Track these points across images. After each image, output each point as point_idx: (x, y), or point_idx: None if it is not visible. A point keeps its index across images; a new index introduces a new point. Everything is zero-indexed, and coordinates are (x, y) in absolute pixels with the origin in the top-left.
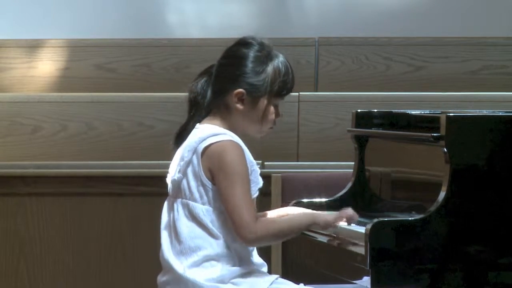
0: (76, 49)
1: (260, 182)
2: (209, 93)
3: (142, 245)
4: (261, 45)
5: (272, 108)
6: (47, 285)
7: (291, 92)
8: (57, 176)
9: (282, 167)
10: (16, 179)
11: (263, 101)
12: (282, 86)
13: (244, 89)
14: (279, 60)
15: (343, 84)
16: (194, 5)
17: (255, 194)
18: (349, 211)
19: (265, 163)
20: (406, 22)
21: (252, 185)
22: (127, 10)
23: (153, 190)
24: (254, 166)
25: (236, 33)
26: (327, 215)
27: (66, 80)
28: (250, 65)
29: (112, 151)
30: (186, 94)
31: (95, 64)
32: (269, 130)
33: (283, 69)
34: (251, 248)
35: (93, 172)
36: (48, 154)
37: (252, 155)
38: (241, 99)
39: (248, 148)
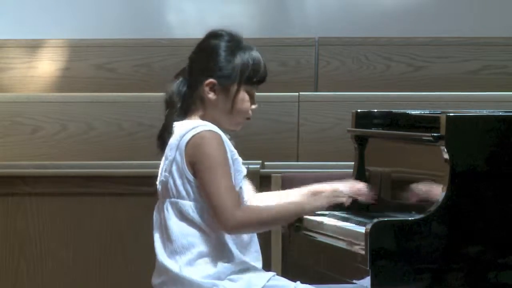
0: (76, 49)
1: (244, 171)
2: (184, 91)
3: (142, 245)
4: (231, 35)
5: (245, 96)
6: (46, 285)
7: (264, 81)
8: (57, 176)
9: (282, 167)
10: (16, 179)
11: (233, 89)
12: (252, 74)
13: (214, 78)
14: (250, 51)
15: (343, 84)
16: (194, 5)
17: (240, 183)
18: (348, 185)
19: (265, 163)
20: (406, 22)
21: (236, 174)
22: (127, 10)
23: (153, 190)
24: (235, 155)
25: None
26: (318, 199)
27: (66, 80)
28: (221, 54)
29: (112, 151)
30: None
31: (95, 64)
32: (245, 121)
33: (253, 58)
34: (247, 241)
35: (93, 172)
36: (48, 154)
37: (252, 156)
38: (212, 89)
39: (248, 148)
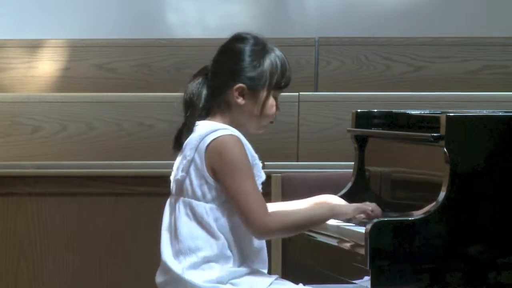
0: (76, 49)
1: (263, 176)
2: (205, 92)
3: (142, 245)
4: (256, 39)
5: (272, 101)
6: (47, 285)
7: (289, 84)
8: (57, 176)
9: (282, 167)
10: (16, 179)
11: (263, 94)
12: (280, 78)
13: (244, 83)
14: (276, 53)
15: (343, 84)
16: (194, 5)
17: (259, 188)
18: (372, 205)
19: (265, 163)
20: (406, 22)
21: (256, 179)
22: (127, 10)
23: (153, 190)
24: (256, 160)
25: None
26: (348, 207)
27: (66, 80)
28: (247, 59)
29: (112, 151)
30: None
31: (95, 64)
32: (269, 125)
33: (280, 61)
34: (258, 247)
35: (93, 172)
36: (48, 154)
37: None
38: (241, 94)
39: None
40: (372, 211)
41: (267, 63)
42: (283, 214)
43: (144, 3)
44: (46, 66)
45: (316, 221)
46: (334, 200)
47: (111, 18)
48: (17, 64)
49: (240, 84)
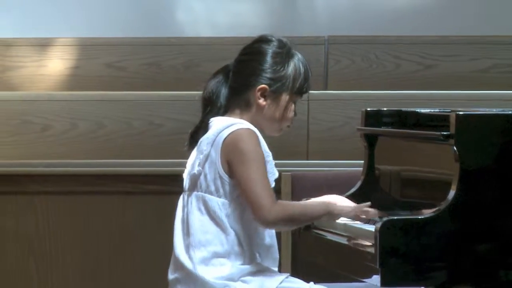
0: (86, 48)
1: (276, 173)
2: (224, 91)
3: (151, 243)
4: (281, 42)
5: (292, 106)
6: (56, 283)
7: (309, 90)
8: (66, 174)
9: (292, 166)
10: (25, 177)
11: (285, 98)
12: (303, 83)
13: (267, 84)
14: (299, 57)
15: (353, 83)
16: (203, 4)
17: (272, 185)
18: (367, 207)
19: (275, 161)
20: (416, 21)
21: (269, 176)
22: (137, 9)
23: (162, 188)
24: (269, 156)
25: (245, 32)
26: (345, 207)
27: (75, 79)
28: (272, 61)
29: (121, 149)
30: (195, 92)
31: (105, 63)
32: (287, 129)
33: (304, 67)
34: (268, 244)
35: (102, 171)
36: (57, 152)
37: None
38: (263, 95)
39: None
40: (367, 212)
41: (291, 67)
42: (288, 204)
43: (154, 2)
44: (56, 64)
45: (311, 218)
46: (339, 200)
47: (121, 16)
48: (26, 63)
49: (264, 85)
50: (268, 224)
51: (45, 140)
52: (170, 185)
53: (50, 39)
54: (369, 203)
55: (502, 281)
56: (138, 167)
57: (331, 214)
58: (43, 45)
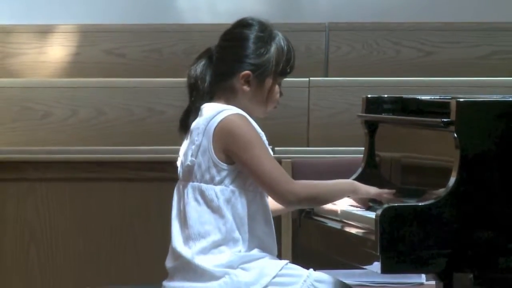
0: (87, 34)
1: (271, 154)
2: (209, 76)
3: (152, 230)
4: (262, 25)
5: (277, 87)
6: (57, 270)
7: (293, 69)
8: (67, 161)
9: (292, 153)
10: (26, 164)
11: (269, 81)
12: (286, 65)
13: (250, 70)
14: (280, 38)
15: (353, 69)
16: None
17: None
18: (391, 192)
19: (275, 148)
20: (416, 7)
21: None
22: None
23: (163, 175)
24: (263, 137)
25: None
26: (368, 187)
27: (76, 66)
28: (253, 46)
29: (122, 136)
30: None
31: (105, 50)
32: (273, 110)
33: (285, 47)
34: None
35: (103, 158)
36: (58, 139)
37: None
38: (247, 81)
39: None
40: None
41: (273, 49)
42: (310, 183)
43: None
44: (56, 51)
45: (339, 195)
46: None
47: (121, 3)
48: (27, 50)
49: (246, 71)
50: (290, 203)
51: (45, 127)
52: (171, 172)
53: (51, 26)
54: (394, 190)
55: (502, 268)
56: (139, 154)
57: (356, 193)
58: (43, 32)
